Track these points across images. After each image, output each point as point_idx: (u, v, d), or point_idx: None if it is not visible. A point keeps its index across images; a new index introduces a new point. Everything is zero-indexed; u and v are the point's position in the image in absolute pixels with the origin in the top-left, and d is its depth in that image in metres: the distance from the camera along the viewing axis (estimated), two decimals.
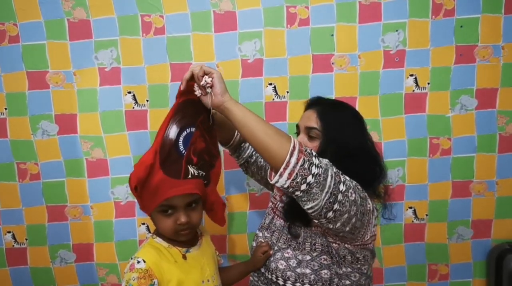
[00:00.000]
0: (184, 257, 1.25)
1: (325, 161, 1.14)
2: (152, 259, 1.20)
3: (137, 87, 1.87)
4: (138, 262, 1.18)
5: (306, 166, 1.08)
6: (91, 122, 1.88)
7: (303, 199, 1.12)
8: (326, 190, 1.09)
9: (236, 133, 1.54)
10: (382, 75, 1.86)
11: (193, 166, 1.23)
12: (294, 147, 1.09)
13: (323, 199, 1.09)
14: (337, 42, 1.84)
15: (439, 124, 1.89)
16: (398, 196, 1.92)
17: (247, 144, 1.61)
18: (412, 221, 1.96)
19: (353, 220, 1.16)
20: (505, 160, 1.91)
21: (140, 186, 1.19)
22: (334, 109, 1.35)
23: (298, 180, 1.08)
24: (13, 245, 1.96)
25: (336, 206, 1.11)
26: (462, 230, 1.96)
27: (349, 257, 1.26)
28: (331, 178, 1.10)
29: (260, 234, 1.44)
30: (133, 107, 1.88)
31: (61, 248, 1.96)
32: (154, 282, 1.17)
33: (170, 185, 1.18)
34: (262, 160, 1.61)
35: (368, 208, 1.22)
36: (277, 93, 1.88)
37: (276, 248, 1.35)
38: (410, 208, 1.95)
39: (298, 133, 1.39)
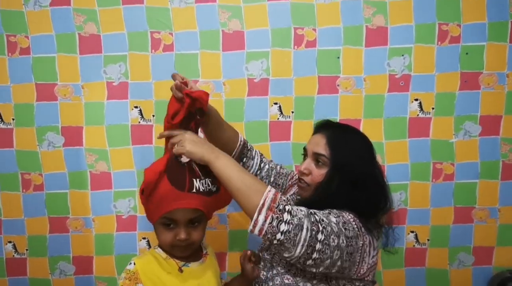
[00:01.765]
0: (180, 270, 1.24)
1: (300, 214, 1.11)
2: (143, 264, 1.21)
3: (144, 102, 1.89)
4: (130, 263, 1.22)
5: (274, 224, 1.08)
6: (97, 136, 1.90)
7: (278, 249, 1.12)
8: (300, 243, 1.08)
9: (238, 143, 1.52)
10: (387, 98, 1.88)
11: (198, 178, 1.22)
12: (263, 205, 1.10)
13: (298, 251, 1.09)
14: (343, 64, 1.86)
15: (443, 149, 1.90)
16: (400, 220, 1.92)
17: (253, 161, 1.59)
18: (414, 246, 1.95)
19: (338, 263, 1.15)
20: (508, 187, 1.91)
21: (148, 191, 1.19)
22: (344, 136, 1.32)
23: (268, 236, 1.09)
24: (13, 255, 1.95)
25: (314, 255, 1.10)
26: (463, 256, 1.95)
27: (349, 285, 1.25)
28: (307, 230, 1.09)
29: (260, 255, 1.43)
30: (139, 122, 1.90)
31: (61, 259, 1.96)
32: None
33: (174, 196, 1.18)
34: (266, 182, 1.60)
35: (360, 245, 1.19)
36: (282, 113, 1.89)
37: (275, 271, 1.33)
38: (412, 232, 1.94)
39: (305, 156, 1.38)
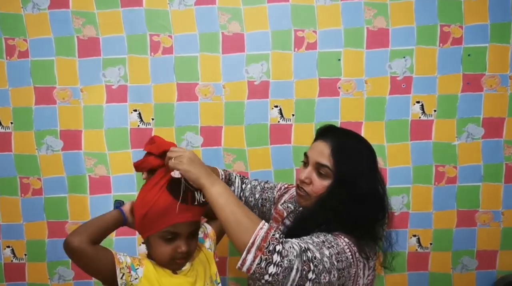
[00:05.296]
0: (175, 273, 1.23)
1: (291, 255, 1.05)
2: (152, 263, 1.20)
3: (143, 106, 1.87)
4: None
5: (262, 265, 1.02)
6: (96, 139, 1.88)
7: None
8: (289, 284, 1.04)
9: (220, 178, 1.48)
10: (388, 101, 1.86)
11: (197, 190, 1.19)
12: (252, 244, 1.03)
13: None
14: (344, 66, 1.85)
15: (445, 152, 1.88)
16: (402, 224, 1.90)
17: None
18: (416, 249, 1.93)
19: None
20: (511, 190, 1.89)
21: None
22: (348, 147, 1.26)
23: (256, 275, 1.04)
24: (12, 260, 1.94)
25: None
26: (466, 260, 1.93)
27: None
28: (296, 271, 1.04)
29: None
30: (138, 126, 1.88)
31: (60, 264, 1.94)
32: (139, 268, 1.16)
33: (179, 209, 1.15)
34: (252, 201, 1.59)
35: (352, 273, 1.16)
36: (282, 116, 1.88)
37: None
38: (414, 236, 1.92)
39: (305, 163, 1.31)
